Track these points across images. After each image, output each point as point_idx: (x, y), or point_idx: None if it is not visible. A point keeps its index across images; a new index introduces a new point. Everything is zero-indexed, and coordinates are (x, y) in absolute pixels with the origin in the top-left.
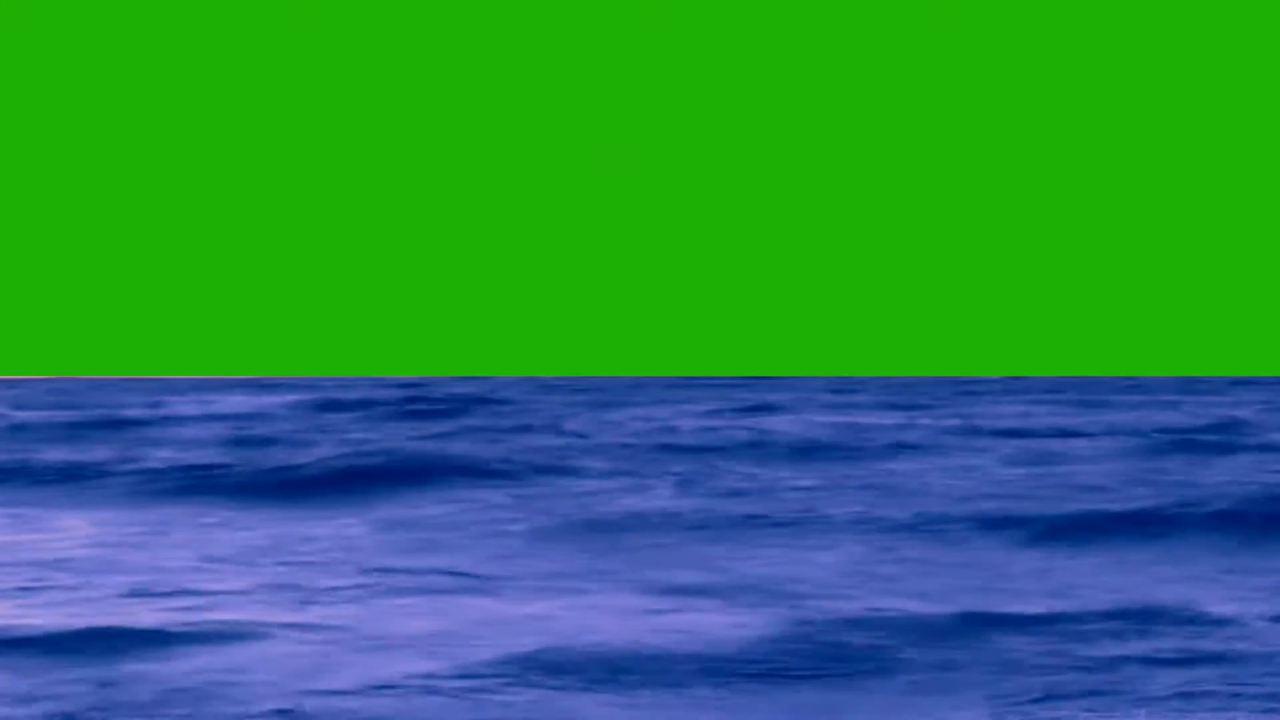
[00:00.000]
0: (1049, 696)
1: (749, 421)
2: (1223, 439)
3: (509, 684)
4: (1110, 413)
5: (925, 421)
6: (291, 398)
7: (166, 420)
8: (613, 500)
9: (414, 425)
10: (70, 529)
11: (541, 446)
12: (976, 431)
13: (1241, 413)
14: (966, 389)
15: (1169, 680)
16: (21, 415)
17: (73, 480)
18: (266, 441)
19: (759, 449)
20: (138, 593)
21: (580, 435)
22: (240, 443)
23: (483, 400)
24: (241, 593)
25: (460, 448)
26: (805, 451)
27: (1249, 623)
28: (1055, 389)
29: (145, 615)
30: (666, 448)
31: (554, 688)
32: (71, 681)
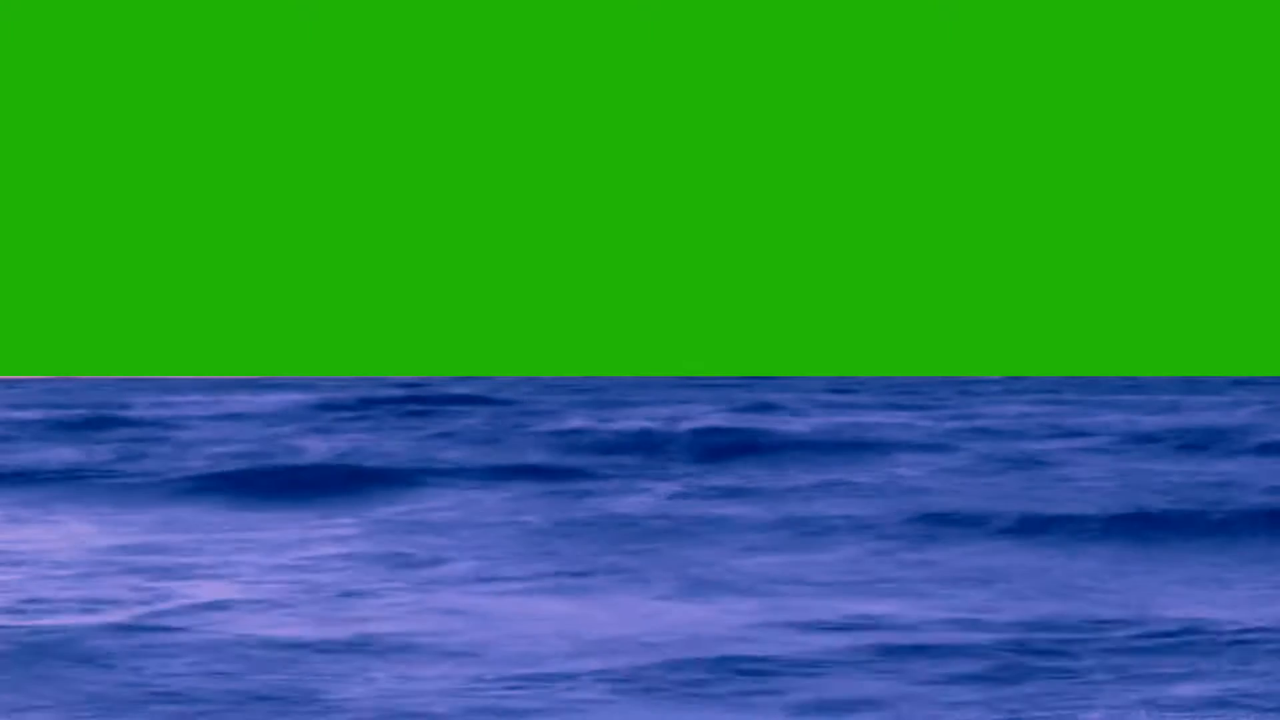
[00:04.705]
0: (1049, 696)
1: (749, 421)
2: (1223, 439)
3: (508, 684)
4: (1110, 413)
5: (925, 422)
6: (291, 398)
7: (166, 420)
8: (612, 500)
9: (414, 425)
10: (70, 529)
11: (541, 446)
12: (976, 432)
13: (1241, 413)
14: (966, 389)
15: (1169, 680)
16: (21, 415)
17: (73, 480)
18: (266, 441)
19: (759, 449)
20: (138, 593)
21: (580, 435)
22: (240, 443)
23: (483, 400)
24: (241, 593)
25: (460, 448)
26: (805, 451)
27: (1249, 623)
28: (1055, 389)
29: (145, 616)
30: (666, 448)
31: (553, 687)
32: (71, 682)
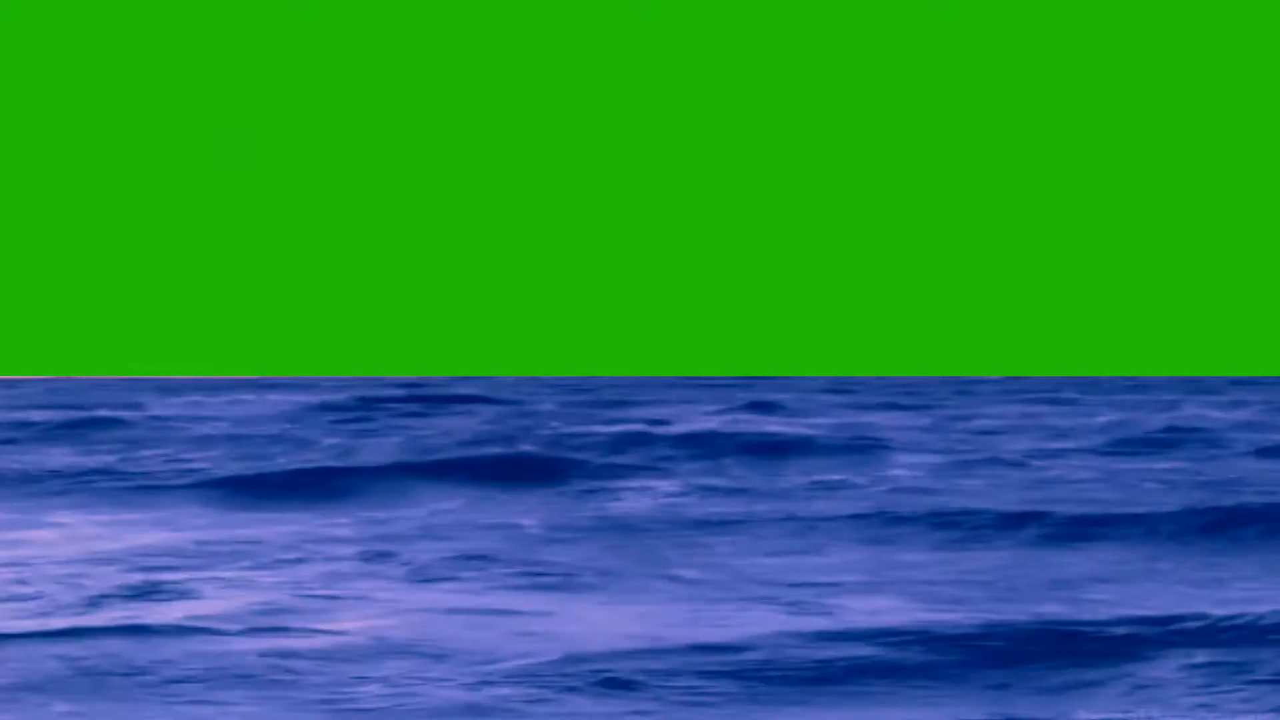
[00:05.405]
0: (1049, 696)
1: (749, 421)
2: (1223, 439)
3: (509, 683)
4: (1109, 413)
5: (925, 421)
6: (291, 398)
7: (166, 420)
8: (612, 500)
9: (414, 425)
10: (70, 529)
11: (542, 446)
12: (976, 431)
13: (1242, 413)
14: (966, 389)
15: (1169, 680)
16: (21, 415)
17: (73, 480)
18: (266, 441)
19: (759, 449)
20: (137, 593)
21: (580, 435)
22: (240, 442)
23: (483, 400)
24: (240, 593)
25: (460, 448)
26: (804, 451)
27: (1249, 623)
28: (1055, 389)
29: (146, 615)
30: (666, 448)
31: (553, 687)
32: (70, 682)
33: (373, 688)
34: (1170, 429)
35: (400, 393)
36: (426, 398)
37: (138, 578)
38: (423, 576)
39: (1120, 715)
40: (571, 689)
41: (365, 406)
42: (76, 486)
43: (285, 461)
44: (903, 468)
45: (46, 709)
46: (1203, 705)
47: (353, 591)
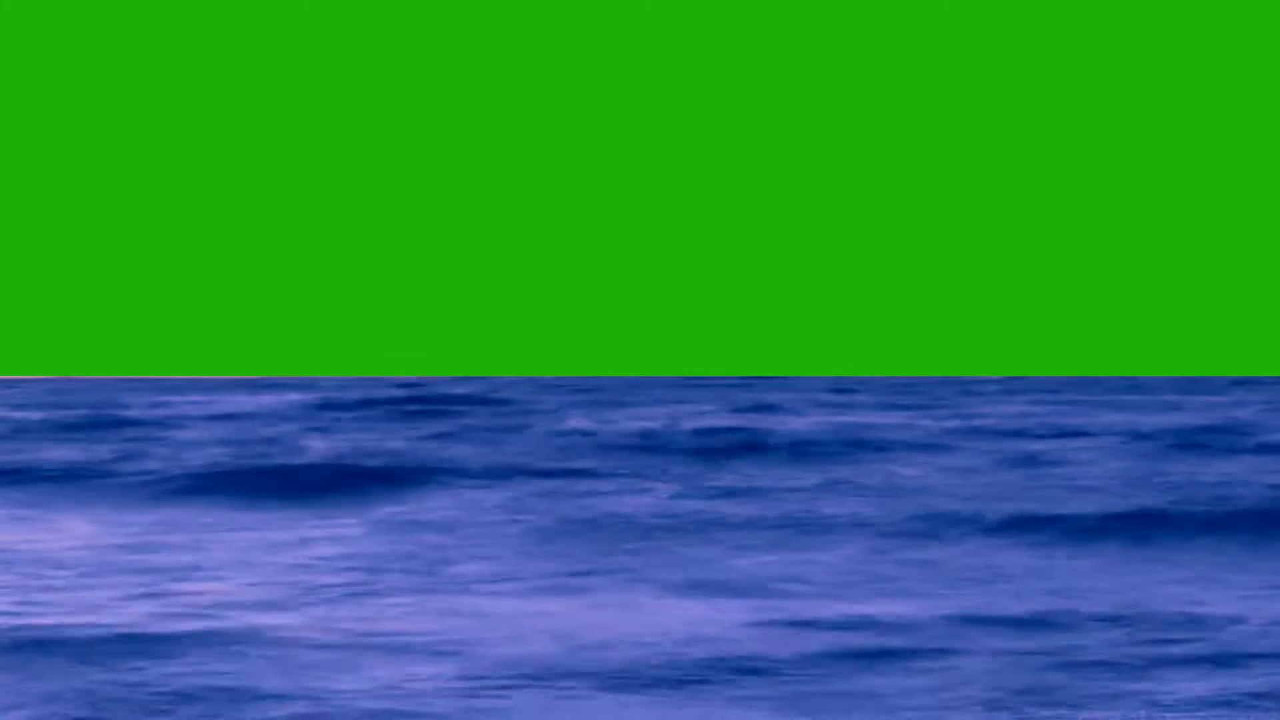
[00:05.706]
0: (1048, 696)
1: (749, 421)
2: (1223, 439)
3: (508, 684)
4: (1110, 413)
5: (925, 421)
6: (291, 398)
7: (166, 420)
8: (612, 500)
9: (414, 425)
10: (70, 529)
11: (541, 446)
12: (976, 431)
13: (1241, 413)
14: (966, 389)
15: (1169, 680)
16: (21, 415)
17: (73, 480)
18: (266, 441)
19: (759, 449)
20: (138, 593)
21: (580, 435)
22: (240, 443)
23: (483, 400)
24: (241, 593)
25: (460, 448)
26: (805, 451)
27: (1249, 623)
28: (1055, 389)
29: (145, 616)
30: (666, 448)
31: (553, 687)
32: (72, 682)
33: (372, 684)
34: (1170, 429)
35: (400, 393)
36: (426, 398)
37: (137, 577)
38: (421, 575)
39: (1119, 715)
40: (572, 686)
41: (365, 406)
42: (76, 485)
43: (285, 461)
44: (903, 468)
45: (47, 709)
46: (1205, 705)
47: (352, 590)
